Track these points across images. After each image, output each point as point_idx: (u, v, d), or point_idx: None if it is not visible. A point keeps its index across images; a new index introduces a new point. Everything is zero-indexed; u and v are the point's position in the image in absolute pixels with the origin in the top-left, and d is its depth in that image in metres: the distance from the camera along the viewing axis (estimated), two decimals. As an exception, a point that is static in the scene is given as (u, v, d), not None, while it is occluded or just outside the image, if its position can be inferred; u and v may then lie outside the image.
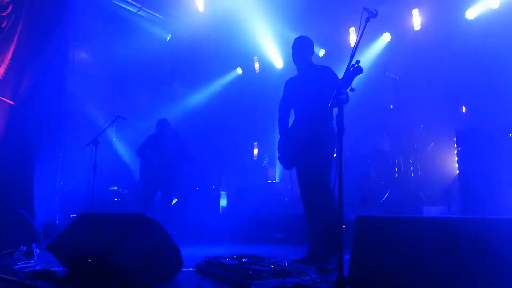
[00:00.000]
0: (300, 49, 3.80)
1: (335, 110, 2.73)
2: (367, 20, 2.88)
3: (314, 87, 3.62)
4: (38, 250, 4.05)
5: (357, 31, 2.83)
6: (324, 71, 3.69)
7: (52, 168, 5.70)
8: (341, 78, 2.85)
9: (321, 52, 7.70)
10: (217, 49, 8.15)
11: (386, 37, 6.83)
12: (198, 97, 8.40)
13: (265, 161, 7.85)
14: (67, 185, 5.89)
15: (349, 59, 2.91)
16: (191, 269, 3.48)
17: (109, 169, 5.69)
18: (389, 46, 6.72)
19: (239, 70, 8.78)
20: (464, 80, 5.84)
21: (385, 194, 5.53)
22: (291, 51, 3.86)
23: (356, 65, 2.73)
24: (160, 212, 5.38)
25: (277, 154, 3.91)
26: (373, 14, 2.90)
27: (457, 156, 4.60)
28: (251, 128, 7.97)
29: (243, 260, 3.27)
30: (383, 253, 2.30)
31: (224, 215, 6.64)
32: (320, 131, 3.54)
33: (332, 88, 3.06)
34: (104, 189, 6.11)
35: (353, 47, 2.88)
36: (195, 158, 5.81)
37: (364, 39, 2.89)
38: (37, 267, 3.50)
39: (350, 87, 2.75)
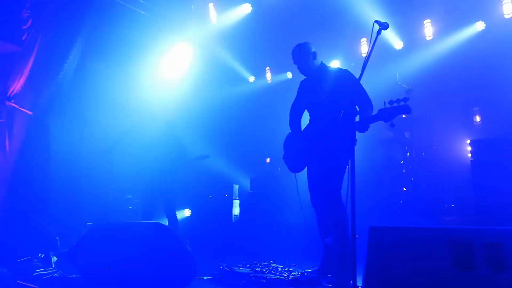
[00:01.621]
0: (299, 58, 3.65)
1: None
2: (378, 33, 2.92)
3: (329, 90, 3.44)
4: (55, 258, 4.13)
5: (369, 42, 2.87)
6: (342, 75, 3.52)
7: (69, 176, 5.81)
8: (381, 109, 2.80)
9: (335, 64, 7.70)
10: (230, 59, 8.23)
11: (398, 45, 6.84)
12: (211, 106, 8.48)
13: (279, 169, 7.85)
14: (83, 194, 5.97)
15: (360, 70, 2.97)
16: (205, 277, 3.51)
17: (124, 177, 5.72)
18: (401, 55, 6.71)
19: (251, 79, 8.83)
20: (477, 89, 5.79)
21: (398, 204, 5.49)
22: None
23: (402, 103, 2.66)
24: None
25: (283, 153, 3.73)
26: (384, 27, 2.94)
27: (471, 166, 4.54)
28: (264, 136, 7.99)
29: (257, 269, 3.29)
30: (396, 264, 2.30)
31: (237, 224, 6.65)
32: (336, 135, 3.34)
33: (350, 92, 3.07)
34: (120, 197, 6.17)
35: (365, 59, 2.93)
36: (192, 163, 5.56)
37: (376, 49, 2.93)
38: (55, 274, 3.58)
39: (390, 122, 2.70)
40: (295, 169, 3.64)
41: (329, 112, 3.38)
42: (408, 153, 5.62)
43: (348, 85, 3.27)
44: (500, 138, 4.56)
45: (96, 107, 6.32)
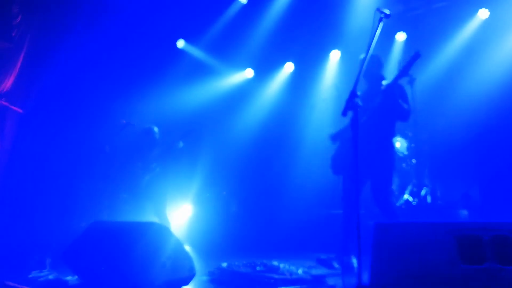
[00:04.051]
0: (370, 68, 3.86)
1: (349, 113, 2.68)
2: (380, 20, 2.84)
3: (380, 103, 3.72)
4: (50, 259, 4.04)
5: (372, 31, 2.79)
6: (391, 87, 3.71)
7: (61, 175, 5.70)
8: (401, 67, 3.40)
9: (337, 54, 7.59)
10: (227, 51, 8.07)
11: (401, 37, 6.71)
12: (206, 100, 8.38)
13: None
14: (77, 193, 5.87)
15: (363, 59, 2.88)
16: (204, 277, 3.43)
17: (120, 176, 5.62)
18: (405, 46, 6.59)
19: (249, 72, 8.67)
20: (482, 81, 5.67)
21: (401, 199, 5.42)
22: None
23: (414, 54, 3.32)
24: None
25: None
26: (386, 15, 2.85)
27: (476, 159, 4.48)
28: (263, 131, 7.88)
29: (257, 268, 3.21)
30: (402, 260, 2.24)
31: (236, 222, 6.57)
32: (381, 144, 3.71)
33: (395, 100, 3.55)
34: (115, 196, 6.07)
35: (367, 48, 2.84)
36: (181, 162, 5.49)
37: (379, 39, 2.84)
38: (50, 276, 3.49)
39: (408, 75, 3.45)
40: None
41: (377, 124, 3.71)
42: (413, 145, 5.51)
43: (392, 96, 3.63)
44: (505, 131, 4.49)
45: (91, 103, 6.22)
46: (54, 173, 5.46)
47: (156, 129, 5.53)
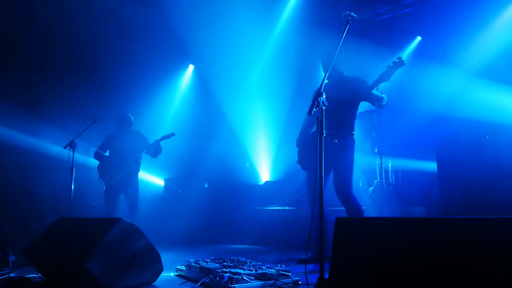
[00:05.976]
0: (329, 60, 3.73)
1: (315, 111, 2.74)
2: (347, 23, 2.92)
3: (341, 96, 3.66)
4: (13, 257, 3.93)
5: (338, 34, 2.86)
6: (353, 81, 3.74)
7: (28, 171, 5.53)
8: (382, 73, 3.26)
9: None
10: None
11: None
12: (176, 96, 8.33)
13: (247, 164, 7.83)
14: (44, 189, 5.71)
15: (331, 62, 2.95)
16: (171, 274, 3.43)
17: (87, 172, 5.52)
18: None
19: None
20: (445, 84, 5.88)
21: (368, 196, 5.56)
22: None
23: (397, 60, 3.17)
24: (127, 215, 5.11)
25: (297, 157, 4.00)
26: (352, 18, 2.93)
27: (436, 158, 4.66)
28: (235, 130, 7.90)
29: (224, 263, 3.24)
30: (362, 254, 2.30)
31: (206, 219, 6.57)
32: (344, 138, 3.68)
33: (359, 94, 3.47)
34: (82, 193, 5.94)
35: (334, 50, 2.91)
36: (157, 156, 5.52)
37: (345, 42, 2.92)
38: (12, 274, 3.40)
39: (390, 80, 3.21)
40: (306, 168, 3.91)
41: (339, 117, 3.65)
42: (376, 149, 5.69)
43: (357, 89, 3.61)
44: (464, 131, 4.68)
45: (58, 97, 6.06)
46: (17, 168, 5.30)
47: (131, 117, 5.50)
